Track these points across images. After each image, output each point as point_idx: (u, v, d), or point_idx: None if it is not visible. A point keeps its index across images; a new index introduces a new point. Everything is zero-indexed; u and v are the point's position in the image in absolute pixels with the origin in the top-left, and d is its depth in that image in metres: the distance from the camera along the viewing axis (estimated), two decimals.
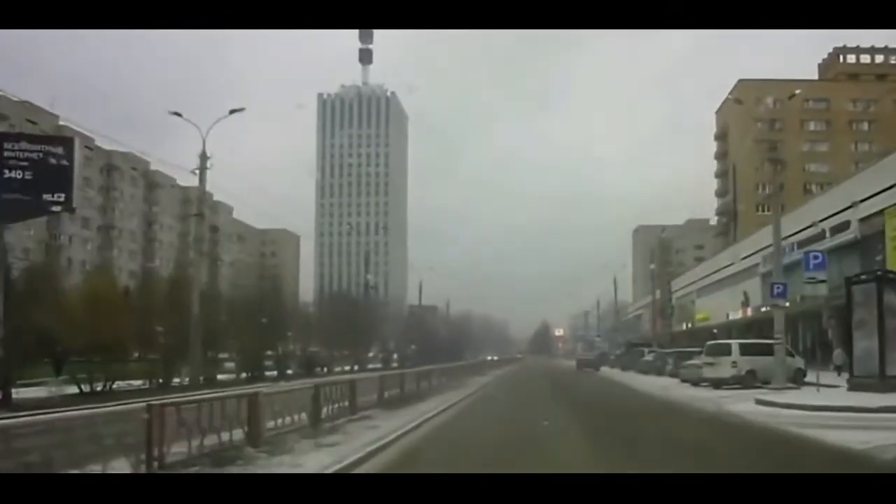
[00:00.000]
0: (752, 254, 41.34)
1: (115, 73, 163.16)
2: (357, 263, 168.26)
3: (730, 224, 70.54)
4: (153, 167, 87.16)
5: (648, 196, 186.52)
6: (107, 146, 78.89)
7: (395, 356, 73.96)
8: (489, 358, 65.63)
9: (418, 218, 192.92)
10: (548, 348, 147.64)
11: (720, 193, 75.41)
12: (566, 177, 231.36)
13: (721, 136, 75.35)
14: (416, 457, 10.22)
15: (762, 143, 70.09)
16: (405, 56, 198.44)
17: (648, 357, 38.21)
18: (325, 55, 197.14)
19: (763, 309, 39.60)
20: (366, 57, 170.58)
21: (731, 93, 71.62)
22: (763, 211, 67.72)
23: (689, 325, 57.71)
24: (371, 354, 74.47)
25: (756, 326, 44.03)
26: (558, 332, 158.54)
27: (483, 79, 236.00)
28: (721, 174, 75.17)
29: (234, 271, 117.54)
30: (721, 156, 75.59)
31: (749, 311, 42.36)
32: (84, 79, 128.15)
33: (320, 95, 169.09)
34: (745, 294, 42.96)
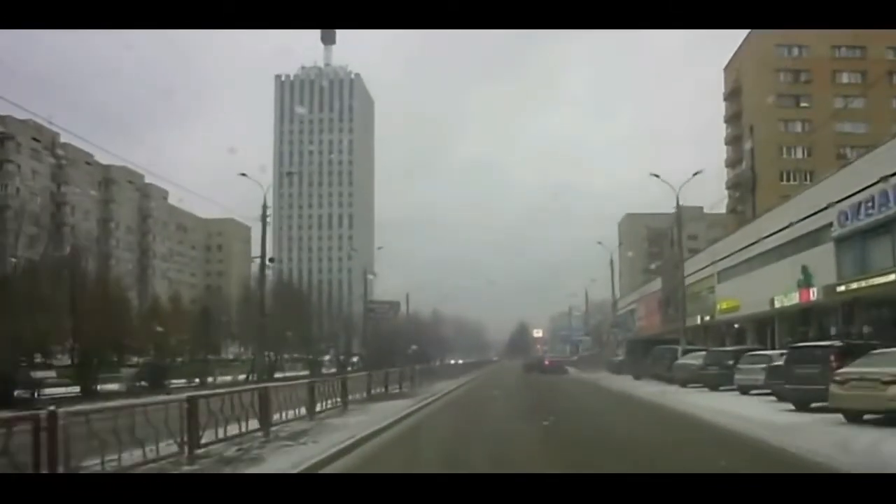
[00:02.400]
0: (819, 211, 28.94)
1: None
2: (319, 259, 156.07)
3: (746, 197, 58.40)
4: (63, 139, 73.90)
5: (635, 188, 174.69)
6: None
7: (353, 359, 63.98)
8: (452, 362, 52.64)
9: (387, 211, 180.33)
10: (526, 351, 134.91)
11: (731, 163, 63.37)
12: (546, 171, 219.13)
13: (732, 95, 63.29)
14: None
15: (786, 99, 58.66)
16: (372, 36, 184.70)
17: (688, 360, 25.11)
18: (283, 33, 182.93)
19: (842, 288, 27.26)
20: (328, 37, 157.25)
21: (746, 39, 59.68)
22: (788, 180, 55.92)
23: (708, 318, 45.34)
24: (328, 358, 65.54)
25: (816, 315, 31.80)
26: (537, 334, 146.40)
27: (459, 63, 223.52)
28: (732, 140, 63.10)
29: (174, 265, 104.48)
30: (732, 118, 63.52)
31: (814, 294, 29.95)
32: None
33: (278, 77, 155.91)
34: (806, 270, 30.59)
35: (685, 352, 26.84)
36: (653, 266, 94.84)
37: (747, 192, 58.38)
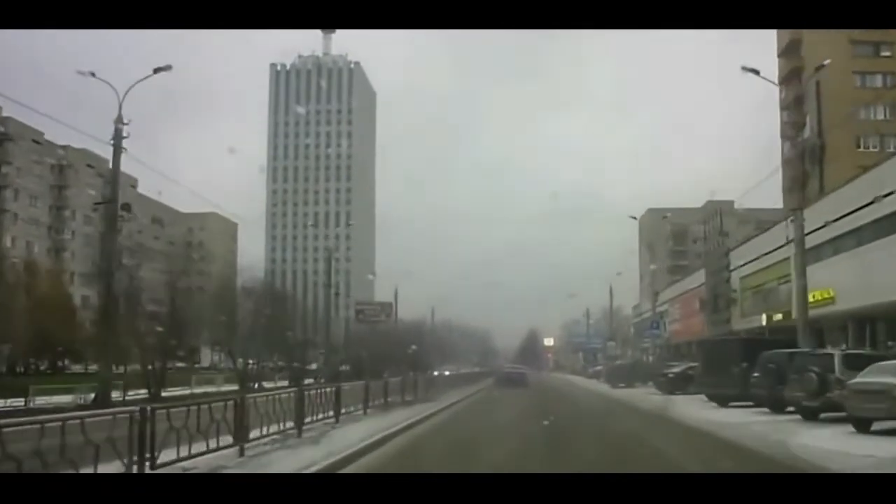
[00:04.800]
0: None
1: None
2: (315, 259, 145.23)
3: (812, 170, 47.28)
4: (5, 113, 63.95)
5: (654, 192, 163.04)
6: None
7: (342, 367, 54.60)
8: (435, 373, 41.09)
9: (390, 209, 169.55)
10: (536, 360, 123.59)
11: (789, 133, 52.08)
12: (559, 174, 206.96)
13: (790, 49, 52.04)
14: None
15: (862, 46, 47.59)
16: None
17: (880, 376, 12.44)
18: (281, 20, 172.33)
19: None
20: None
21: None
22: (867, 147, 44.86)
23: (779, 317, 34.31)
24: (314, 366, 56.18)
25: None
26: (548, 342, 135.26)
27: (470, 55, 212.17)
28: (790, 104, 51.84)
29: (147, 262, 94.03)
30: (790, 77, 52.19)
31: None
32: None
33: (273, 66, 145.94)
34: None
35: (852, 360, 14.87)
36: (652, 266, 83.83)
37: (813, 165, 47.26)
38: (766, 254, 35.59)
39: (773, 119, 55.69)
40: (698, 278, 53.30)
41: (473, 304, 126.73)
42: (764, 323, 35.96)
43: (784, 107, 52.75)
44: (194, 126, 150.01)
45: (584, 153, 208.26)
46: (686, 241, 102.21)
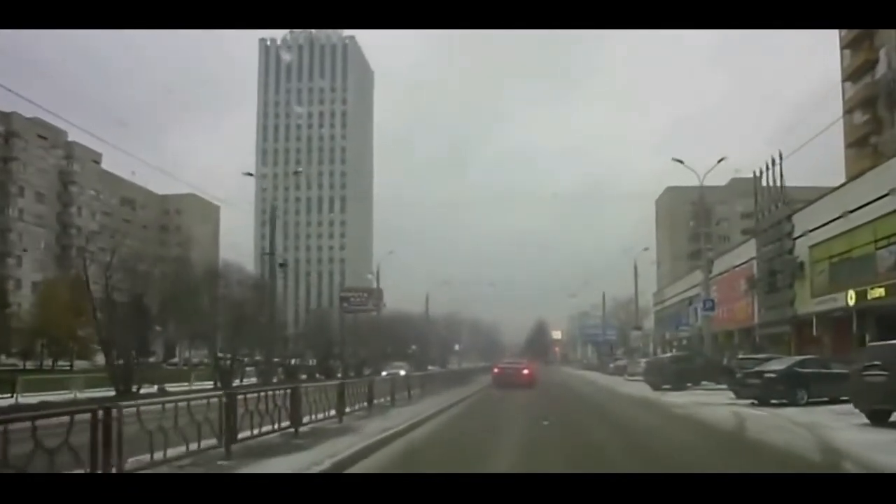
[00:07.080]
0: None
1: None
2: (307, 247, 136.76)
3: (889, 115, 38.11)
4: None
5: (672, 171, 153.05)
6: None
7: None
8: (384, 374, 30.42)
9: (389, 196, 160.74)
10: (545, 353, 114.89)
11: (853, 74, 42.79)
12: (569, 164, 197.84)
13: None
14: None
15: None
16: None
17: None
18: None
19: None
20: None
21: None
22: None
23: (880, 292, 25.15)
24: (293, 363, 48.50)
25: None
26: (556, 335, 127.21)
27: (474, 41, 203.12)
28: (854, 41, 42.44)
29: (113, 246, 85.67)
30: None
31: None
32: None
33: (262, 41, 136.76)
34: None
35: None
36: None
37: (892, 107, 38.08)
38: (859, 208, 26.35)
39: (786, 102, 46.65)
40: (741, 255, 44.33)
41: (479, 298, 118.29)
42: (851, 302, 26.87)
43: (845, 45, 43.41)
44: (182, 107, 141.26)
45: (588, 145, 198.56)
46: (709, 222, 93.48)
